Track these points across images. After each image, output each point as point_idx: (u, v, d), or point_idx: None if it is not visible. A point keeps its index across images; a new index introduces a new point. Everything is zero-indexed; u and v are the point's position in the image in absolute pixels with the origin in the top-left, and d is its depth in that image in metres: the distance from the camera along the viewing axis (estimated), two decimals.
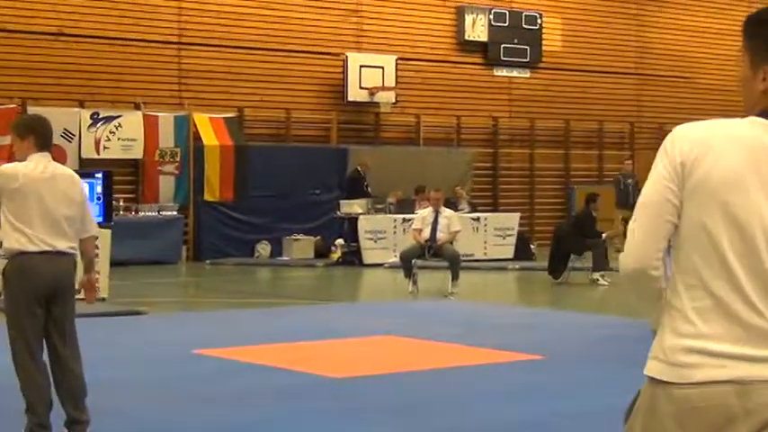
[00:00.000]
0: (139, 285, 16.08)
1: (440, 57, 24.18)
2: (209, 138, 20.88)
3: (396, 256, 17.84)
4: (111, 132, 20.18)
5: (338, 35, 22.83)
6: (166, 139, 20.72)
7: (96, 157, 19.78)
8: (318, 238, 21.11)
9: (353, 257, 20.02)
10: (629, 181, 22.19)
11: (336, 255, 20.54)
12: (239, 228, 21.02)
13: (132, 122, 20.42)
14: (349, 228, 20.38)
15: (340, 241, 20.64)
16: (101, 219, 12.21)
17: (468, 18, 24.35)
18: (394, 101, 23.03)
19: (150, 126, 20.56)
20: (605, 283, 16.42)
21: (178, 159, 20.79)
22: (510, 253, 21.02)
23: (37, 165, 6.11)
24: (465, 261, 16.65)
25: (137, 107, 20.64)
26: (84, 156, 19.75)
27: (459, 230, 15.83)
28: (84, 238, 6.30)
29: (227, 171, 20.96)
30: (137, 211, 20.06)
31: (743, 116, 2.71)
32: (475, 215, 21.47)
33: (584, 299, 15.68)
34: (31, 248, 6.00)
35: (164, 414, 7.31)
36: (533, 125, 25.48)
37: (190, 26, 21.38)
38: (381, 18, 23.43)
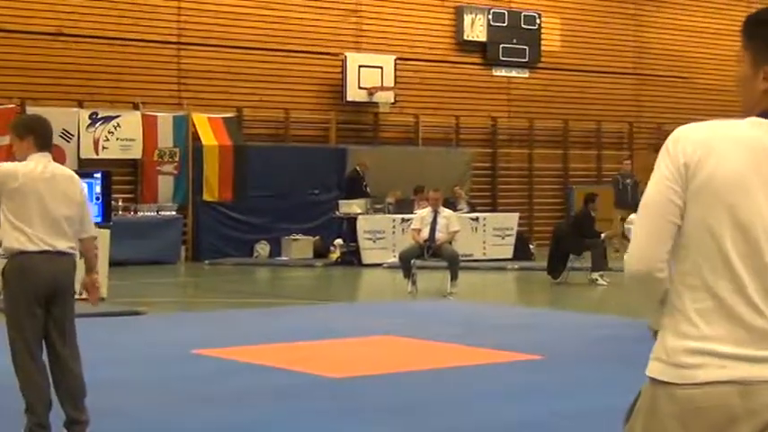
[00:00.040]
0: (138, 285, 16.07)
1: (439, 57, 24.18)
2: (208, 138, 20.88)
3: (395, 256, 17.84)
4: (109, 132, 20.18)
5: (337, 35, 22.83)
6: (165, 139, 20.72)
7: (95, 157, 19.77)
8: (317, 238, 21.11)
9: (352, 257, 20.02)
10: (628, 181, 22.19)
11: (335, 255, 20.54)
12: (238, 228, 21.02)
13: (131, 122, 20.42)
14: (348, 228, 20.38)
15: (339, 241, 20.64)
16: (99, 219, 12.21)
17: (467, 18, 24.36)
18: (393, 101, 23.03)
19: (149, 126, 20.56)
20: (604, 283, 16.42)
21: (177, 159, 20.79)
22: (509, 253, 21.03)
23: (37, 165, 6.11)
24: (464, 261, 16.66)
25: (135, 107, 20.64)
26: (82, 156, 19.75)
27: (457, 230, 15.83)
28: (85, 239, 6.30)
29: (225, 171, 20.96)
30: (136, 211, 20.05)
31: (741, 116, 2.71)
32: (474, 215, 21.47)
33: (583, 299, 15.68)
34: (31, 248, 6.00)
35: (163, 414, 7.31)
36: (532, 125, 25.48)
37: (189, 26, 21.38)
38: (380, 18, 23.43)
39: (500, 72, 25.03)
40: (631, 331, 9.77)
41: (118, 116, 20.30)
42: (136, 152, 20.49)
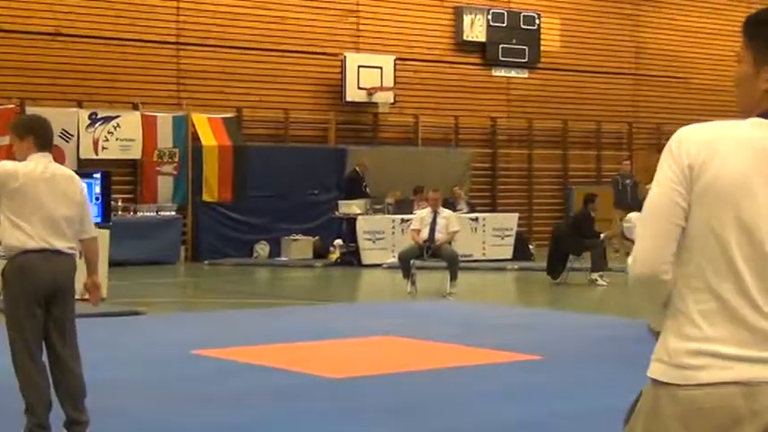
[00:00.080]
0: (138, 286, 16.07)
1: (438, 57, 24.19)
2: (208, 138, 20.88)
3: (394, 256, 17.83)
4: (109, 133, 20.18)
5: (336, 35, 22.84)
6: (165, 139, 20.72)
7: (94, 157, 19.76)
8: (317, 238, 21.11)
9: (352, 258, 20.02)
10: (628, 181, 22.19)
11: (335, 255, 20.54)
12: (238, 228, 21.02)
13: (130, 123, 20.42)
14: (347, 228, 20.38)
15: (338, 242, 20.64)
16: (99, 219, 12.21)
17: (467, 18, 24.36)
18: (392, 101, 23.03)
19: (148, 126, 20.56)
20: (604, 283, 16.43)
21: (176, 160, 20.79)
22: (508, 253, 21.03)
23: (37, 165, 6.11)
24: (463, 261, 16.67)
25: (135, 107, 20.64)
26: (82, 156, 19.75)
27: (457, 231, 15.83)
28: (86, 240, 6.30)
29: (225, 171, 20.96)
30: (135, 212, 20.05)
31: (739, 116, 2.70)
32: (473, 215, 21.48)
33: (582, 299, 15.69)
34: (32, 245, 6.00)
35: (162, 414, 7.31)
36: (531, 125, 25.49)
37: (188, 26, 21.38)
38: (379, 18, 23.43)
39: (499, 72, 25.03)
40: (631, 332, 9.77)
41: (117, 116, 20.29)
42: (135, 152, 20.49)
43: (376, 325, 11.68)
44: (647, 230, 2.62)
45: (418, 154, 23.36)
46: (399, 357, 9.92)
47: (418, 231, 15.57)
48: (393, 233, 20.06)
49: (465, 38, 24.38)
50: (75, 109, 19.97)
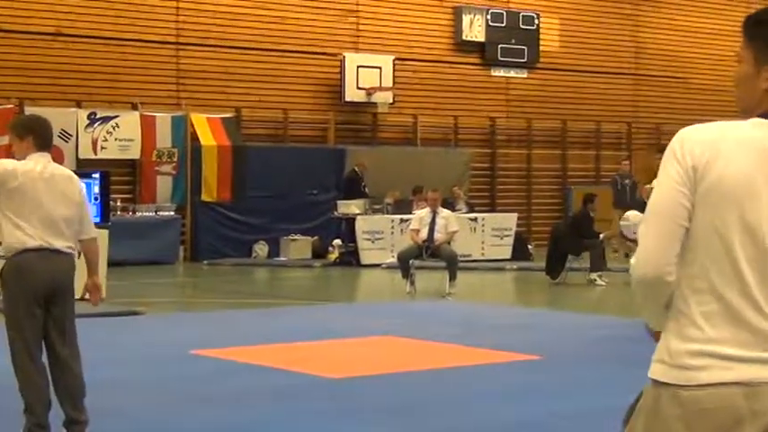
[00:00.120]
0: (137, 286, 16.07)
1: (437, 57, 24.19)
2: (207, 138, 20.88)
3: (393, 256, 17.84)
4: (108, 132, 20.18)
5: (335, 35, 22.84)
6: (164, 139, 20.72)
7: (93, 157, 19.76)
8: (316, 238, 21.11)
9: (351, 258, 20.02)
10: (627, 181, 22.18)
11: (334, 255, 20.54)
12: (237, 228, 21.02)
13: (129, 123, 20.42)
14: (346, 228, 20.38)
15: (337, 242, 20.64)
16: (98, 219, 12.20)
17: (466, 18, 24.37)
18: (391, 101, 23.03)
19: (147, 126, 20.55)
20: (603, 283, 16.43)
21: (175, 160, 20.79)
22: (507, 253, 21.03)
23: (36, 164, 6.11)
24: (462, 261, 16.66)
25: (134, 107, 20.64)
26: (81, 156, 19.75)
27: (456, 231, 15.84)
28: (85, 240, 6.30)
29: (224, 171, 20.96)
30: (134, 212, 20.05)
31: (739, 116, 2.70)
32: (472, 215, 21.48)
33: (581, 299, 15.69)
34: (30, 244, 6.00)
35: (162, 414, 7.32)
36: (530, 125, 25.49)
37: (187, 26, 21.38)
38: (378, 18, 23.44)
39: (498, 72, 25.03)
40: (630, 332, 9.76)
41: (116, 116, 20.29)
42: (134, 152, 20.48)
43: (375, 325, 11.68)
44: (651, 231, 2.61)
45: (417, 154, 23.36)
46: (398, 357, 9.92)
47: (417, 231, 15.58)
48: (392, 233, 20.07)
49: (464, 38, 24.38)
50: (74, 109, 19.97)
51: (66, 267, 6.14)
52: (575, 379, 8.68)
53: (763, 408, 2.53)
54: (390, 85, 22.80)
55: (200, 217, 20.93)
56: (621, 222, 13.69)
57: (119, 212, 19.18)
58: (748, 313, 2.55)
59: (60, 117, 18.65)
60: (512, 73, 25.17)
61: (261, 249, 21.02)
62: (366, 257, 19.86)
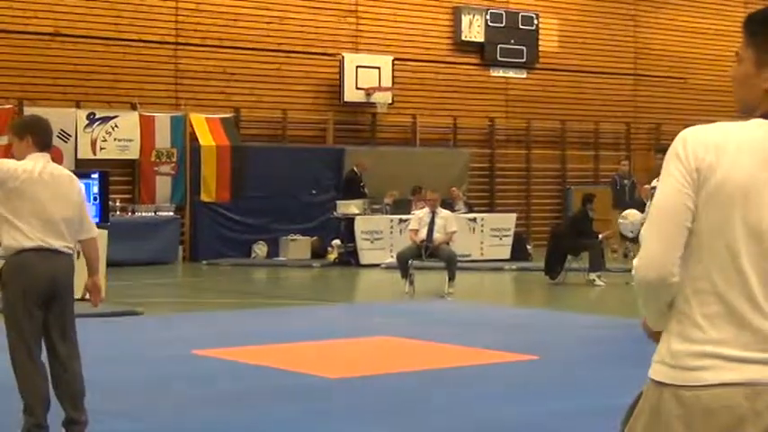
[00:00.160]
0: (136, 286, 16.07)
1: (436, 57, 24.20)
2: (206, 138, 20.88)
3: (392, 256, 17.84)
4: (107, 133, 20.18)
5: (335, 35, 22.84)
6: (163, 139, 20.72)
7: (92, 157, 19.76)
8: (315, 238, 21.12)
9: (350, 258, 20.03)
10: (626, 182, 22.20)
11: (333, 255, 20.54)
12: (236, 228, 21.03)
13: (129, 123, 20.42)
14: (346, 228, 20.39)
15: (337, 242, 20.64)
16: (97, 219, 12.20)
17: (465, 19, 24.37)
18: (390, 101, 23.03)
19: (147, 126, 20.55)
20: (602, 283, 16.44)
21: (174, 160, 20.79)
22: (507, 253, 21.03)
23: (36, 165, 6.12)
24: (461, 261, 16.66)
25: (133, 107, 20.64)
26: (80, 156, 19.74)
27: (455, 231, 15.84)
28: (85, 240, 6.31)
29: (223, 171, 20.96)
30: (133, 212, 20.05)
31: (738, 116, 2.70)
32: (471, 216, 21.49)
33: (580, 299, 15.69)
34: (28, 244, 6.01)
35: (161, 414, 7.32)
36: (530, 125, 25.50)
37: (186, 26, 21.38)
38: (378, 18, 23.44)
39: (498, 72, 25.04)
40: (629, 331, 9.78)
41: (115, 116, 20.29)
42: (133, 152, 20.49)
43: (374, 325, 11.69)
44: (655, 232, 2.60)
45: (416, 154, 23.36)
46: (398, 358, 9.93)
47: (416, 231, 15.58)
48: (391, 233, 20.07)
49: (463, 38, 24.38)
50: (73, 109, 19.97)
51: (65, 267, 6.15)
52: (574, 379, 8.69)
53: (765, 408, 2.53)
54: (389, 85, 22.81)
55: (199, 217, 20.94)
56: (620, 220, 13.69)
57: (118, 213, 19.18)
58: (750, 315, 2.55)
59: (59, 117, 18.65)
60: (511, 73, 25.17)
61: (260, 249, 21.03)
62: (365, 257, 19.86)
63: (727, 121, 2.68)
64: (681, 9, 27.42)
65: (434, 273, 15.98)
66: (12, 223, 6.04)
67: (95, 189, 13.13)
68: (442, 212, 15.90)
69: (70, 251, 6.19)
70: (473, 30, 24.45)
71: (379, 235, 20.10)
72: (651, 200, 11.58)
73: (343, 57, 22.55)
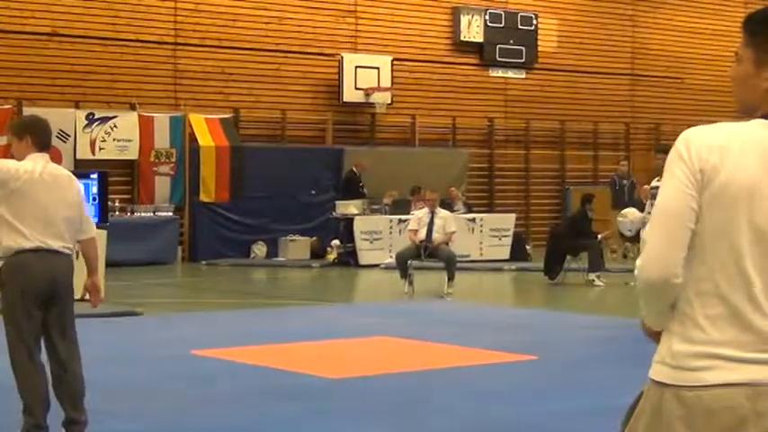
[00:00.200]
0: (135, 286, 16.07)
1: (435, 57, 24.20)
2: (205, 138, 20.88)
3: (391, 256, 17.85)
4: (106, 133, 20.17)
5: (334, 36, 22.84)
6: (162, 139, 20.72)
7: (91, 157, 19.75)
8: (314, 238, 21.12)
9: (349, 258, 20.03)
10: (625, 182, 22.20)
11: (332, 255, 20.54)
12: (235, 228, 21.03)
13: (128, 123, 20.42)
14: (345, 228, 20.38)
15: (336, 242, 20.64)
16: (96, 219, 12.19)
17: (464, 19, 24.38)
18: (389, 101, 23.03)
19: (146, 127, 20.55)
20: (601, 283, 16.44)
21: (174, 160, 20.79)
22: (506, 253, 21.03)
23: (35, 165, 6.12)
24: (461, 262, 16.66)
25: (132, 108, 20.64)
26: (79, 156, 19.73)
27: (454, 231, 15.84)
28: (84, 240, 6.31)
29: (222, 172, 20.96)
30: (132, 212, 20.05)
31: (738, 116, 2.70)
32: (470, 216, 21.48)
33: (579, 299, 15.70)
34: (27, 245, 6.01)
35: (161, 414, 7.32)
36: (528, 126, 25.50)
37: (185, 26, 21.37)
38: (377, 19, 23.44)
39: (497, 73, 25.04)
40: (628, 332, 9.78)
41: (114, 117, 20.28)
42: (132, 153, 20.48)
43: (373, 325, 11.69)
44: (659, 233, 2.59)
45: (415, 154, 23.37)
46: (397, 358, 9.93)
47: (415, 232, 15.58)
48: (390, 233, 20.07)
49: (462, 38, 24.39)
50: (72, 109, 19.96)
51: (64, 268, 6.15)
52: (573, 379, 8.69)
53: (767, 409, 2.53)
54: (388, 85, 22.81)
55: (198, 217, 20.94)
56: (619, 218, 13.67)
57: (117, 213, 19.18)
58: (753, 316, 2.55)
59: (58, 117, 18.64)
60: (510, 73, 25.18)
61: (259, 250, 21.03)
62: (364, 258, 19.86)
63: (726, 122, 2.67)
64: (678, 9, 27.43)
65: (434, 273, 15.98)
66: (11, 224, 6.04)
67: (94, 189, 13.13)
68: (442, 213, 15.90)
69: (69, 251, 6.19)
70: (472, 30, 24.46)
71: (379, 235, 20.11)
72: (651, 200, 11.61)
73: (342, 57, 22.55)
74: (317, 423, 7.05)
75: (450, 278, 15.25)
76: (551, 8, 25.60)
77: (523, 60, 25.11)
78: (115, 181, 18.66)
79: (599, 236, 16.99)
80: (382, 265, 19.21)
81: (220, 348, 9.94)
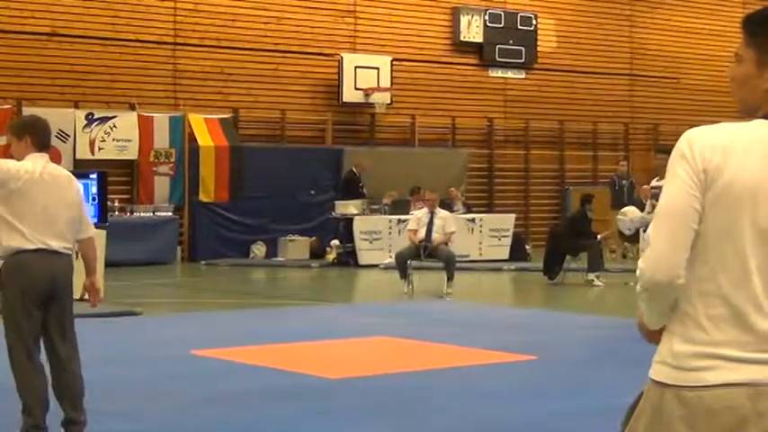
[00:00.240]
0: (135, 286, 16.06)
1: (435, 57, 24.20)
2: (204, 138, 20.88)
3: (391, 256, 17.85)
4: (105, 133, 20.17)
5: (333, 36, 22.84)
6: (161, 139, 20.72)
7: (91, 157, 19.75)
8: (314, 238, 21.12)
9: (349, 258, 20.03)
10: (625, 182, 22.20)
11: (332, 255, 20.54)
12: (234, 228, 21.03)
13: (127, 123, 20.42)
14: (344, 228, 20.39)
15: (335, 242, 20.64)
16: (95, 219, 12.20)
17: (464, 19, 24.38)
18: (389, 102, 23.03)
19: (145, 127, 20.55)
20: (600, 283, 16.45)
21: (173, 160, 20.79)
22: (505, 254, 21.03)
23: (35, 165, 6.12)
24: (460, 262, 16.66)
25: (131, 108, 20.64)
26: (78, 156, 19.73)
27: (454, 231, 15.84)
28: (83, 240, 6.31)
29: (222, 172, 20.96)
30: (132, 212, 20.05)
31: (737, 116, 2.69)
32: (470, 216, 21.48)
33: (579, 299, 15.70)
34: (28, 246, 6.01)
35: (161, 414, 7.31)
36: (528, 126, 25.50)
37: (184, 26, 21.37)
38: (376, 19, 23.44)
39: (496, 73, 25.04)
40: (627, 332, 9.77)
41: (114, 117, 20.28)
42: (132, 153, 20.48)
43: (373, 325, 11.69)
44: (662, 234, 2.58)
45: (415, 154, 23.37)
46: (397, 358, 9.93)
47: (415, 232, 15.58)
48: (390, 234, 20.07)
49: (462, 38, 24.38)
50: (71, 109, 19.96)
51: (64, 268, 6.15)
52: (573, 379, 8.69)
53: (767, 408, 2.53)
54: (388, 85, 22.81)
55: (197, 217, 20.94)
56: (618, 217, 13.66)
57: (116, 213, 19.18)
58: (754, 317, 2.55)
59: (58, 117, 18.64)
60: (509, 73, 25.18)
61: (259, 250, 21.03)
62: (364, 258, 19.86)
63: (724, 121, 2.67)
64: (676, 9, 27.43)
65: (433, 273, 15.98)
66: (11, 225, 6.04)
67: (94, 189, 13.13)
68: (441, 213, 15.90)
69: (69, 252, 6.19)
70: (471, 30, 24.46)
71: (378, 235, 20.11)
72: (651, 199, 11.61)
73: (341, 57, 22.55)
74: (316, 423, 7.05)
75: (450, 278, 15.26)
76: (550, 8, 25.60)
77: (523, 60, 25.11)
78: (114, 181, 18.66)
79: (598, 236, 17.00)
80: (382, 266, 19.21)
81: (220, 348, 9.94)
